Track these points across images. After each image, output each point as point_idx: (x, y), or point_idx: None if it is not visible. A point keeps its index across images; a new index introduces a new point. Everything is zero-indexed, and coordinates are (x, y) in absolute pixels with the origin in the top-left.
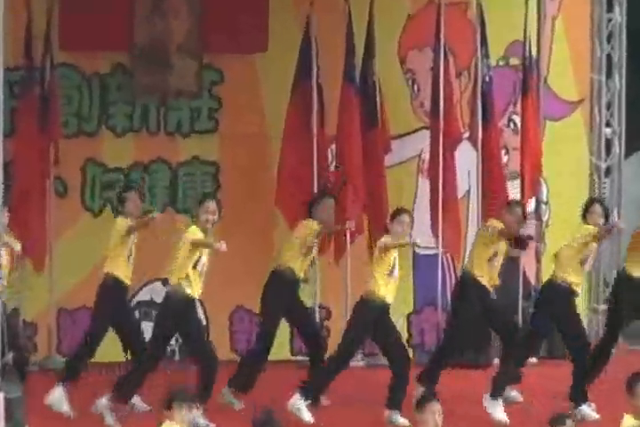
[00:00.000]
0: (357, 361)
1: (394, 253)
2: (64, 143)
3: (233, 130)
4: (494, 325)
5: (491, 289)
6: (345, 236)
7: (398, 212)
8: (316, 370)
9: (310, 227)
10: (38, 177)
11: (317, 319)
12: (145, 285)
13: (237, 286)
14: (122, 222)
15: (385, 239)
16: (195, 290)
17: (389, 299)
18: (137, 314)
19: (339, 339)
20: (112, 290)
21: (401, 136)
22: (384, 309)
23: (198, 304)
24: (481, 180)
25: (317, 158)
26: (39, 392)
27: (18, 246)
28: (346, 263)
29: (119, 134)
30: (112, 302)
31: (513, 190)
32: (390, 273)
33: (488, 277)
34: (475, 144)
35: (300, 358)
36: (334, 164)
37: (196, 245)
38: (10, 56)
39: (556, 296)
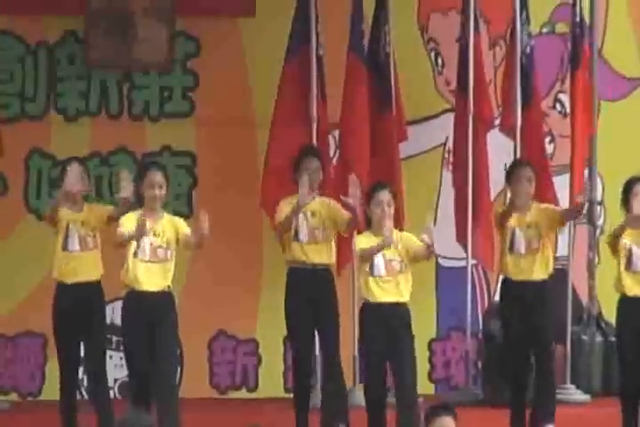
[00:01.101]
0: None
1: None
2: (3, 130)
3: (212, 114)
4: None
5: None
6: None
7: (373, 188)
8: None
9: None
10: None
11: None
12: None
13: (218, 308)
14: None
15: (358, 246)
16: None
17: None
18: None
19: (347, 370)
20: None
21: (421, 121)
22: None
23: None
24: None
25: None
26: None
27: None
28: (351, 271)
29: (71, 119)
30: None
31: (560, 188)
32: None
33: None
34: (511, 131)
35: None
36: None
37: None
38: None
39: None
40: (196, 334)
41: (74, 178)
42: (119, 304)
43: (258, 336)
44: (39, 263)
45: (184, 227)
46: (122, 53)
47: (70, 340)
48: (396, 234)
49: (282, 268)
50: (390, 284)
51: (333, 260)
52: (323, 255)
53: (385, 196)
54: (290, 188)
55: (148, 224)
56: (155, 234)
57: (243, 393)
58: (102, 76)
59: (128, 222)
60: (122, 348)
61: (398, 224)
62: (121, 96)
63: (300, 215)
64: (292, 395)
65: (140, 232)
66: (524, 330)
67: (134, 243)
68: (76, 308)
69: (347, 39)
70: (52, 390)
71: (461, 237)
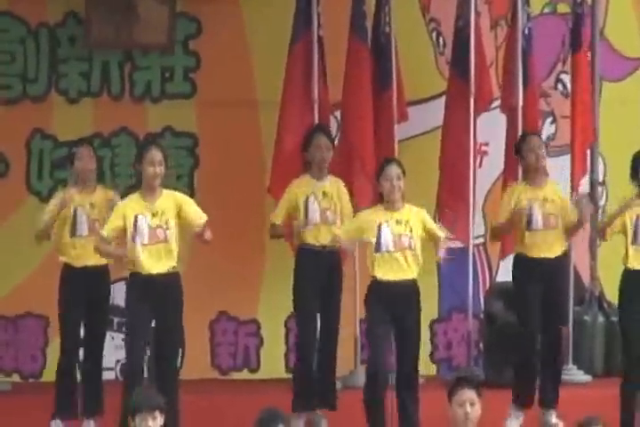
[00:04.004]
0: None
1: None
2: (4, 111)
3: (214, 94)
4: None
5: None
6: None
7: (382, 164)
8: None
9: (294, 186)
10: None
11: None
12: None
13: (219, 290)
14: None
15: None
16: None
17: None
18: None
19: (349, 351)
20: None
21: (422, 101)
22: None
23: None
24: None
25: None
26: None
27: None
28: (353, 258)
29: (73, 100)
30: None
31: (561, 169)
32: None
33: None
34: (512, 112)
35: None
36: (338, 136)
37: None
38: None
39: None
40: (197, 315)
41: (87, 158)
42: (120, 285)
43: (259, 317)
44: (40, 245)
45: (187, 204)
46: (123, 34)
47: (76, 322)
48: (409, 209)
49: (284, 249)
50: (398, 260)
51: None
52: (330, 238)
53: (394, 170)
54: (298, 169)
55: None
56: (153, 214)
57: (244, 374)
58: (104, 57)
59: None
60: (123, 329)
61: None
62: (122, 77)
63: (311, 197)
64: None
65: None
66: (542, 307)
67: (132, 226)
68: (84, 291)
69: (348, 19)
70: (53, 372)
71: (444, 217)
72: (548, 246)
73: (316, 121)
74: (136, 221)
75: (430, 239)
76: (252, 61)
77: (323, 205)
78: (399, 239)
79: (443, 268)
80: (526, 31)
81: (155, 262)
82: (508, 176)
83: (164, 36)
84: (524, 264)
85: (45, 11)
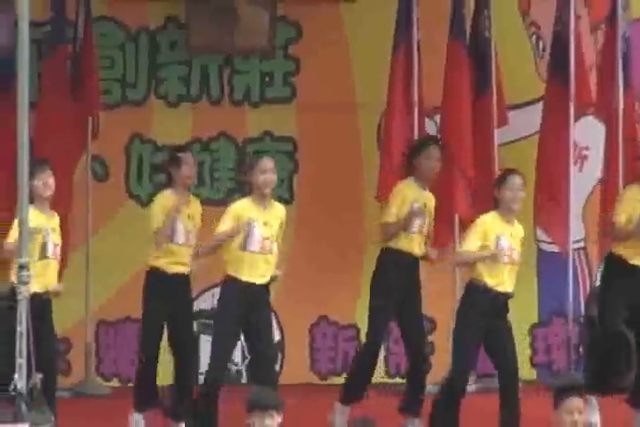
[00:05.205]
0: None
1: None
2: (104, 116)
3: (314, 99)
4: None
5: None
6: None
7: (506, 174)
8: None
9: (405, 188)
10: (69, 157)
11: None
12: (205, 290)
13: (319, 294)
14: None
15: (462, 248)
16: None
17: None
18: (195, 326)
19: (445, 357)
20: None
21: (522, 105)
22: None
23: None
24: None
25: (419, 134)
26: (72, 424)
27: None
28: (452, 264)
29: (172, 104)
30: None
31: None
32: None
33: None
34: (609, 117)
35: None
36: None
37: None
38: (36, 8)
39: None
40: (297, 320)
41: (191, 164)
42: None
43: (358, 322)
44: (139, 249)
45: (284, 224)
46: (223, 39)
47: (161, 326)
48: (519, 227)
49: None
50: (510, 272)
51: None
52: (422, 247)
53: (517, 180)
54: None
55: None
56: (265, 224)
57: (343, 379)
58: (203, 62)
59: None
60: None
61: None
62: (222, 82)
63: (415, 205)
64: (393, 380)
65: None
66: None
67: (243, 233)
68: (172, 297)
69: (447, 24)
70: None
71: (542, 222)
72: None
73: (416, 125)
74: (250, 228)
75: None
76: (352, 65)
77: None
78: (513, 253)
79: (542, 272)
80: (626, 35)
81: (256, 271)
82: (608, 181)
83: (265, 40)
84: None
85: (146, 16)
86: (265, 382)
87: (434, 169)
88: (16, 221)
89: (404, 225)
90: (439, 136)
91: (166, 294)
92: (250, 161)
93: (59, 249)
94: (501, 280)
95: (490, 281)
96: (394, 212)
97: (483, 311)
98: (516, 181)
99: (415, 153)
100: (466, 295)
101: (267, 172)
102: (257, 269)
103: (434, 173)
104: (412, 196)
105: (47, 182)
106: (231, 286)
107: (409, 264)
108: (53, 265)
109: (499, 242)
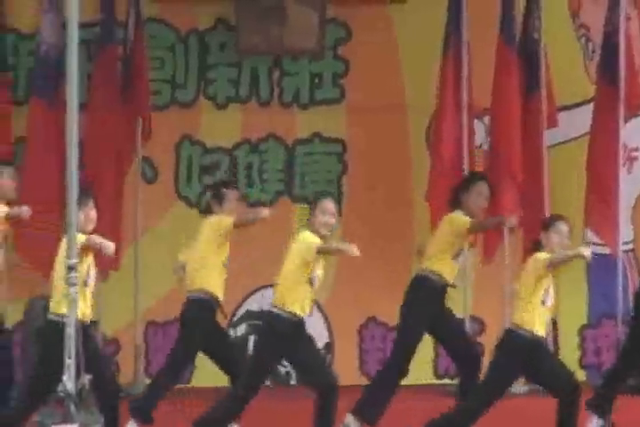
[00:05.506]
0: (519, 386)
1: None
2: (153, 117)
3: (363, 100)
4: None
5: None
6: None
7: (554, 219)
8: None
9: (459, 222)
10: (120, 159)
11: (469, 334)
12: (253, 292)
13: (368, 295)
14: (223, 221)
15: (546, 255)
16: (303, 310)
17: (541, 331)
18: (243, 327)
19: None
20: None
21: (571, 107)
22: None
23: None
24: None
25: (468, 136)
26: (121, 425)
27: (110, 248)
28: (502, 265)
29: (221, 106)
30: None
31: None
32: (543, 302)
33: None
34: None
35: (446, 381)
36: (488, 142)
37: (321, 252)
38: (86, 9)
39: None
40: (346, 321)
41: (232, 204)
42: None
43: None
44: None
45: None
46: (272, 40)
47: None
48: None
49: None
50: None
51: None
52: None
53: (565, 227)
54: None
55: None
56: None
57: None
58: (253, 63)
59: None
60: None
61: (541, 214)
62: (271, 83)
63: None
64: (442, 381)
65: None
66: None
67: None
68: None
69: (496, 26)
70: (201, 377)
71: (593, 225)
72: None
73: (465, 126)
74: (314, 269)
75: None
76: (401, 66)
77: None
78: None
79: (592, 274)
80: None
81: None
82: None
83: (314, 41)
84: None
85: (195, 17)
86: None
87: (482, 206)
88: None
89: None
90: (488, 139)
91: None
92: (313, 199)
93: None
94: (541, 324)
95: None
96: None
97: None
98: (563, 227)
99: (464, 189)
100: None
101: (326, 214)
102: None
103: (482, 210)
104: None
105: (89, 215)
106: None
107: (443, 291)
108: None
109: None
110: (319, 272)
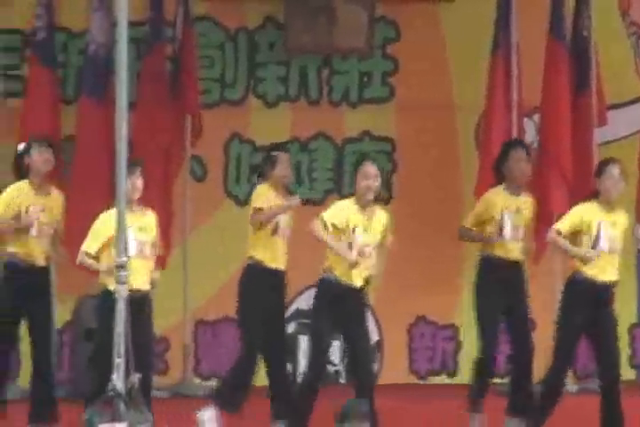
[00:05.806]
0: (570, 385)
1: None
2: (203, 115)
3: (412, 99)
4: None
5: None
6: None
7: (604, 163)
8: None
9: (492, 196)
10: (167, 157)
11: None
12: (304, 290)
13: (418, 293)
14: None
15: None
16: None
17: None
18: (293, 326)
19: (545, 358)
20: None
21: (621, 105)
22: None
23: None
24: None
25: (518, 134)
26: (170, 424)
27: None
28: (552, 263)
29: (271, 104)
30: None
31: None
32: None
33: None
34: None
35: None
36: (538, 140)
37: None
38: (135, 7)
39: None
40: (395, 319)
41: (287, 163)
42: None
43: (457, 322)
44: (238, 249)
45: None
46: (322, 39)
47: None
48: (623, 214)
49: None
50: (610, 261)
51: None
52: (519, 252)
53: (616, 170)
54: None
55: None
56: (365, 230)
57: (442, 379)
58: (302, 62)
59: None
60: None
61: None
62: (320, 82)
63: (506, 213)
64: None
65: None
66: None
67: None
68: (271, 292)
69: (546, 24)
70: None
71: None
72: None
73: (515, 125)
74: (354, 237)
75: None
76: (450, 65)
77: (515, 222)
78: (614, 242)
79: None
80: None
81: (351, 274)
82: None
83: (363, 40)
84: None
85: (244, 16)
86: (363, 383)
87: (524, 171)
88: (95, 229)
89: (478, 238)
90: (538, 137)
91: (267, 290)
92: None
93: (147, 247)
94: (601, 269)
95: (588, 271)
96: (471, 218)
97: (582, 302)
98: (615, 170)
99: (502, 159)
100: (565, 289)
101: (369, 178)
102: (354, 272)
103: (525, 175)
104: (501, 203)
105: (135, 184)
106: (327, 287)
107: (507, 269)
108: (137, 264)
109: (600, 231)
110: None
